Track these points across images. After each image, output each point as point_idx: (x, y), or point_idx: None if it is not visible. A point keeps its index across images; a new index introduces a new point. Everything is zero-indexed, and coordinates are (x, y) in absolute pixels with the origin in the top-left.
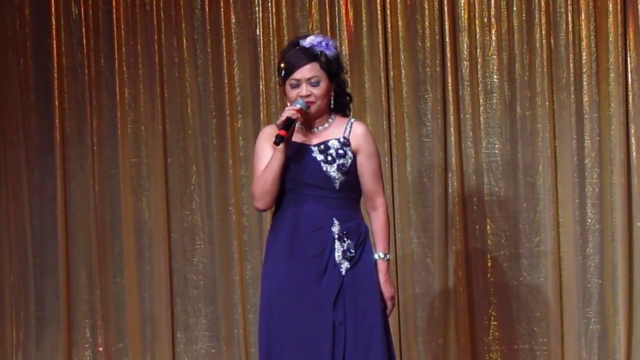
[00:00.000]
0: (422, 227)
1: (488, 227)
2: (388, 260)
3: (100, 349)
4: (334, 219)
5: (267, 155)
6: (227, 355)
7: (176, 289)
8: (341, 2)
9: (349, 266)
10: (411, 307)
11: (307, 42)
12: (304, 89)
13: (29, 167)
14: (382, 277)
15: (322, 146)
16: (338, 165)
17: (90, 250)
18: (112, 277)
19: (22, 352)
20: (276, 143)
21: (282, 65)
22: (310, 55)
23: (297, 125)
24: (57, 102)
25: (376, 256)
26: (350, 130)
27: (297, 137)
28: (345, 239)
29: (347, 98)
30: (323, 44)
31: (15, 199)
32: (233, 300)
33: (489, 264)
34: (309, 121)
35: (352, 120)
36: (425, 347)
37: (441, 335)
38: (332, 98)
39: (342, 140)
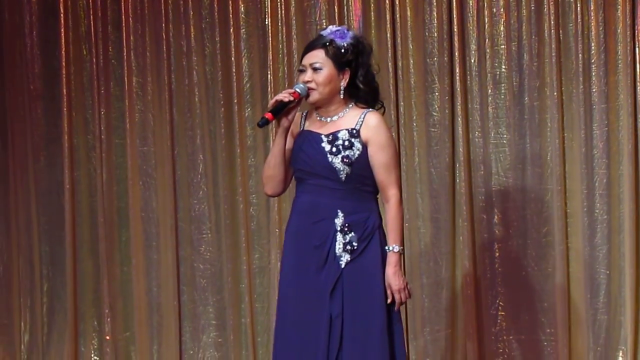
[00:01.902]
0: (430, 217)
1: (496, 217)
2: (399, 252)
3: (107, 337)
4: (338, 210)
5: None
6: (234, 345)
7: (183, 278)
8: None
9: (349, 259)
10: (418, 297)
11: (326, 31)
12: (307, 75)
13: (36, 156)
14: (390, 270)
15: (331, 136)
16: (342, 157)
17: (98, 239)
18: (119, 266)
19: (29, 341)
20: (259, 125)
21: None
22: (319, 42)
23: (321, 118)
24: (64, 91)
25: (387, 248)
26: (362, 121)
27: (310, 126)
28: (348, 231)
29: (369, 90)
30: (337, 33)
31: (22, 188)
32: (240, 289)
33: (497, 254)
34: (322, 109)
35: (367, 110)
36: (432, 337)
37: (448, 325)
38: (343, 87)
39: (351, 131)
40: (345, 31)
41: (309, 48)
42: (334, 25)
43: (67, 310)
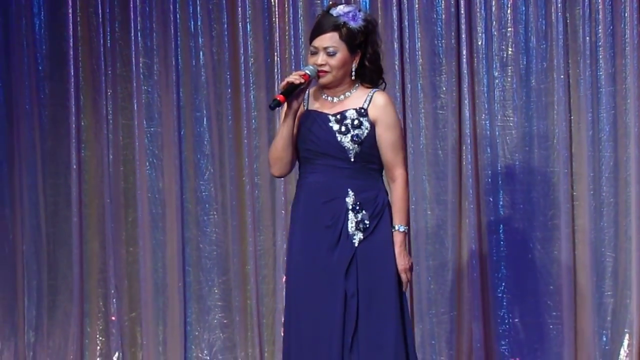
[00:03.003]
0: (436, 199)
1: (502, 199)
2: (404, 232)
3: (113, 318)
4: (348, 189)
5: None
6: (239, 326)
7: (189, 259)
8: None
9: (362, 237)
10: (424, 280)
11: (336, 11)
12: (320, 58)
13: (43, 136)
14: (396, 249)
15: (339, 116)
16: (352, 136)
17: (104, 220)
18: (125, 247)
19: (34, 321)
20: (271, 107)
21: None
22: (333, 24)
23: (327, 98)
24: (72, 72)
25: (393, 228)
26: (370, 101)
27: (316, 106)
28: (359, 209)
29: (375, 69)
30: (350, 14)
31: (28, 169)
32: (246, 270)
33: (503, 236)
34: (329, 89)
35: (374, 90)
36: (438, 319)
37: (454, 307)
38: (355, 69)
39: (360, 110)
40: (357, 12)
41: (320, 30)
42: (344, 5)
43: (72, 290)
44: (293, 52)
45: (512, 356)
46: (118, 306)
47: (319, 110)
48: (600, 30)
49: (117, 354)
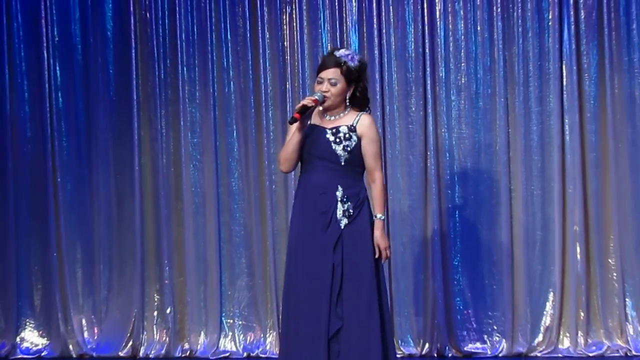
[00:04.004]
0: (408, 191)
1: (458, 192)
2: (383, 220)
3: (166, 281)
4: (338, 185)
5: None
6: (261, 288)
7: (223, 237)
8: (344, 27)
9: (347, 222)
10: (399, 252)
11: (339, 52)
12: (324, 86)
13: (113, 145)
14: (378, 233)
15: (334, 130)
16: (344, 146)
17: (159, 208)
18: (175, 228)
19: (107, 284)
20: (290, 122)
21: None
22: (336, 62)
23: (326, 116)
24: (134, 97)
25: (374, 217)
26: (358, 121)
27: (318, 122)
28: (346, 201)
29: (363, 98)
30: (349, 56)
31: (103, 170)
32: (266, 245)
33: (458, 219)
34: (329, 110)
35: (362, 113)
36: (409, 281)
37: (422, 272)
38: (349, 97)
39: (350, 127)
40: (354, 55)
41: (325, 65)
42: (345, 49)
43: (135, 261)
44: (301, 82)
45: (465, 309)
46: (170, 272)
47: (320, 125)
48: (530, 65)
49: (169, 308)
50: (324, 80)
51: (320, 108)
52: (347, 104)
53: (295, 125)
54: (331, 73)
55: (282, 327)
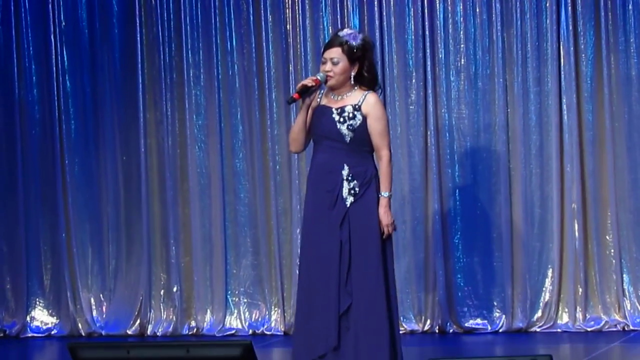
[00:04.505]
0: (408, 171)
1: (458, 171)
2: (388, 197)
3: (173, 261)
4: (344, 164)
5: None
6: (266, 266)
7: (228, 217)
8: (345, 10)
9: (353, 200)
10: (401, 230)
11: (342, 32)
12: (328, 66)
13: (119, 128)
14: (382, 210)
15: (339, 109)
16: (348, 125)
17: (165, 189)
18: (181, 208)
19: (115, 262)
20: (288, 102)
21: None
22: (338, 42)
23: (333, 96)
24: (140, 80)
25: (380, 194)
26: (363, 100)
27: (325, 102)
28: (351, 179)
29: (371, 77)
30: (351, 35)
31: (109, 152)
32: (270, 225)
33: (458, 198)
34: (335, 90)
35: (368, 92)
36: (411, 259)
37: (423, 250)
38: (354, 75)
39: (355, 106)
40: (357, 34)
41: (329, 45)
42: (348, 28)
43: (142, 241)
44: (303, 64)
45: (465, 286)
46: (176, 252)
47: (327, 105)
48: (529, 46)
49: (175, 287)
50: (327, 60)
51: (325, 89)
52: (352, 82)
53: (301, 105)
54: (333, 52)
55: (297, 305)
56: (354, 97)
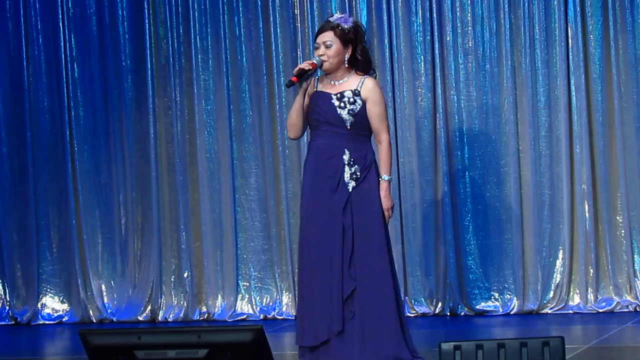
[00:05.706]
0: (418, 154)
1: (467, 153)
2: (388, 181)
3: (183, 246)
4: (345, 149)
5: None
6: (276, 250)
7: (238, 201)
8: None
9: (354, 185)
10: (410, 214)
11: (333, 17)
12: (321, 50)
13: (127, 114)
14: (382, 193)
15: (338, 95)
16: (348, 110)
17: (175, 174)
18: (191, 193)
19: (127, 247)
20: (286, 85)
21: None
22: (330, 26)
23: (330, 81)
24: (149, 66)
25: (380, 177)
26: (362, 84)
27: (322, 87)
28: (353, 164)
29: (365, 60)
30: (342, 19)
31: (119, 138)
32: (280, 209)
33: (468, 180)
34: (330, 74)
35: (366, 76)
36: (421, 242)
37: (433, 233)
38: (348, 59)
39: (354, 91)
40: (348, 17)
41: (321, 30)
42: (339, 13)
43: (153, 227)
44: (310, 49)
45: (476, 269)
46: (186, 237)
47: (324, 90)
48: (536, 28)
49: (186, 272)
50: (320, 44)
51: (320, 73)
52: (347, 65)
53: (302, 90)
54: (326, 36)
55: (298, 291)
56: (351, 82)
